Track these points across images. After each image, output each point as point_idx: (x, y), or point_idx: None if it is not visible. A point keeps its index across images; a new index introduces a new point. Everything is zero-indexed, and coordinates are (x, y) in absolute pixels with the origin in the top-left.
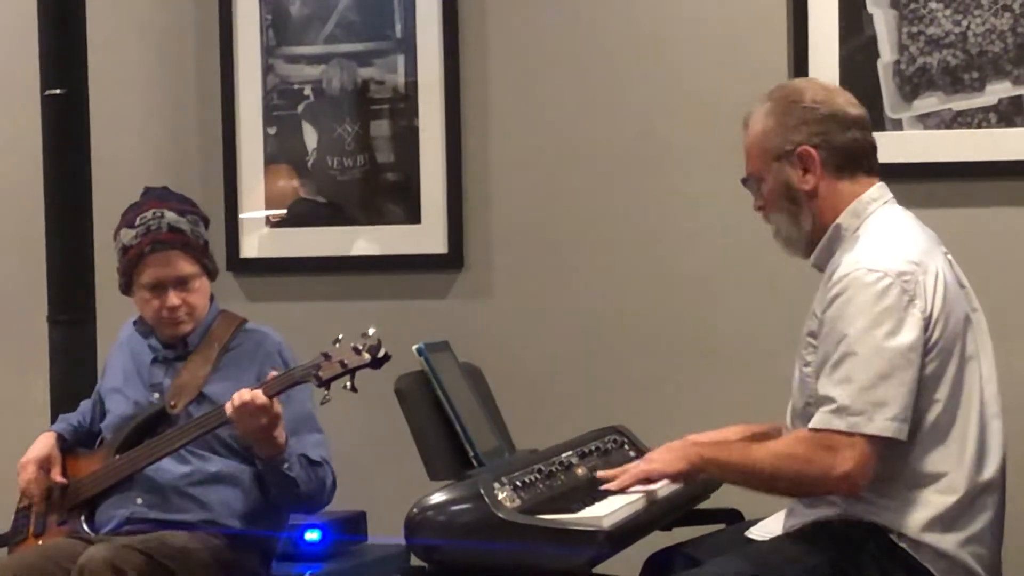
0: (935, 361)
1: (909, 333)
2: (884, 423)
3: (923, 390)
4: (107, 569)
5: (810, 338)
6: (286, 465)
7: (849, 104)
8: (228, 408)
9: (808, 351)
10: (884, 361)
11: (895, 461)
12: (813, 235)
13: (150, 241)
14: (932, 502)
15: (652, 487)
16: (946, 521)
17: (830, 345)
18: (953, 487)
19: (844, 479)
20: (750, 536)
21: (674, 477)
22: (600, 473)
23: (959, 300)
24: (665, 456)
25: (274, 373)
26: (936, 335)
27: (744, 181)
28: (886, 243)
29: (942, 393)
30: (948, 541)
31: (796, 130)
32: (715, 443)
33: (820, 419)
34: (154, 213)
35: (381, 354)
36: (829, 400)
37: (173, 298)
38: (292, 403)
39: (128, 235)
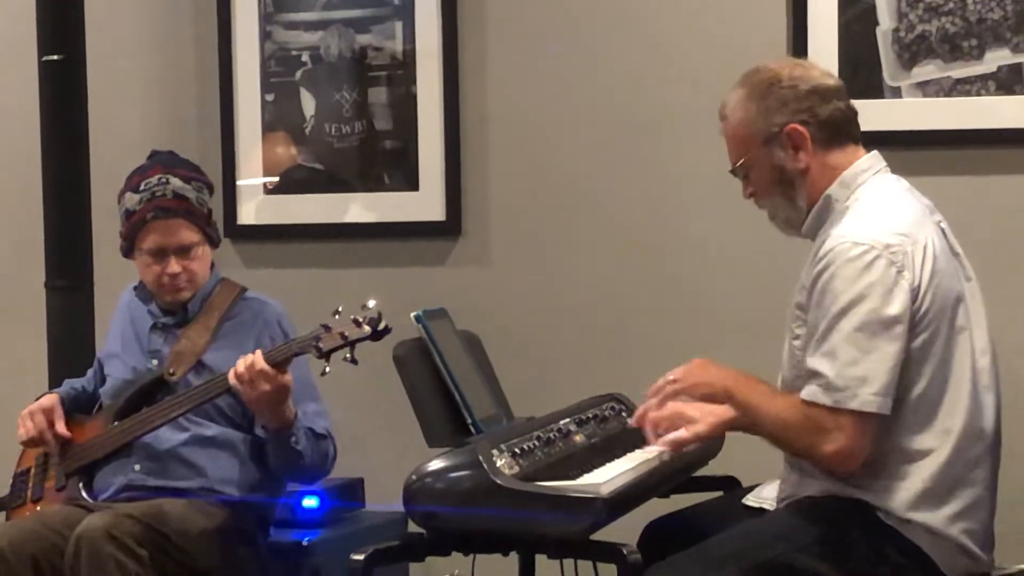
0: (923, 334)
1: (895, 307)
2: (868, 398)
3: (911, 363)
4: (105, 538)
5: (799, 311)
6: (293, 439)
7: (825, 77)
8: (231, 376)
9: (797, 324)
10: (867, 336)
11: (881, 437)
12: (811, 209)
13: (153, 207)
14: (918, 479)
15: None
16: (932, 498)
17: (817, 319)
18: (939, 463)
19: (835, 457)
20: (747, 503)
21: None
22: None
23: (949, 271)
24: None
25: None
26: (924, 307)
27: (734, 170)
28: (874, 215)
29: (930, 366)
30: (936, 518)
31: (779, 111)
32: (747, 379)
33: (809, 391)
34: (159, 179)
35: (381, 326)
36: (816, 375)
37: (174, 265)
38: (293, 372)
39: (132, 200)
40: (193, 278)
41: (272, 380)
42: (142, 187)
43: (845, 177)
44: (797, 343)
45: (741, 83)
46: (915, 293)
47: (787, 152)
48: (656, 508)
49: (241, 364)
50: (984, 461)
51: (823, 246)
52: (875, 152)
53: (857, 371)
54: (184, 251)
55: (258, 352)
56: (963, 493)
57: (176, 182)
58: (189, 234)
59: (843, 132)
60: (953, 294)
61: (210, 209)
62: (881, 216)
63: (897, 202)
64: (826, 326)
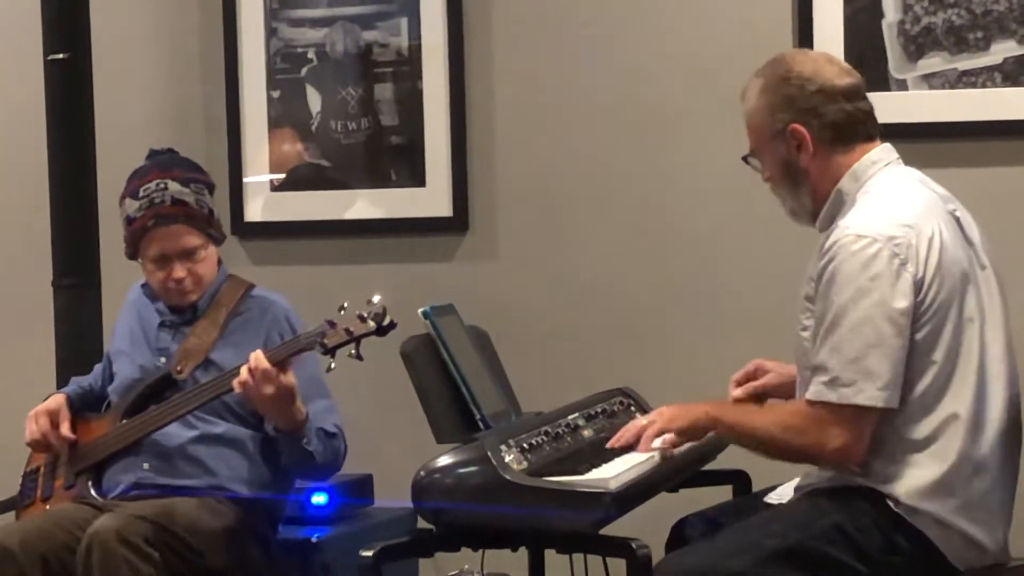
0: (930, 323)
1: (899, 299)
2: (874, 393)
3: (918, 353)
4: (116, 540)
5: (807, 302)
6: (305, 440)
7: (838, 75)
8: (235, 384)
9: (805, 315)
10: (872, 330)
11: (888, 427)
12: (815, 206)
13: (153, 215)
14: (925, 469)
15: (661, 445)
16: (940, 488)
17: (823, 311)
18: (947, 453)
19: (837, 453)
20: (768, 501)
21: (683, 435)
22: (614, 444)
23: (958, 261)
24: (676, 413)
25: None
26: (930, 298)
27: (747, 157)
28: (880, 207)
29: (938, 356)
30: (944, 508)
31: (784, 109)
32: (723, 402)
33: (814, 391)
34: (157, 184)
35: (386, 322)
36: (821, 369)
37: (179, 270)
38: (303, 368)
39: (132, 207)
40: (200, 281)
41: (274, 381)
42: (141, 193)
43: (856, 169)
44: (805, 334)
45: (761, 72)
46: (919, 285)
47: (791, 149)
48: (665, 503)
49: (244, 369)
50: (995, 453)
51: (829, 238)
52: (887, 144)
53: (863, 366)
54: (188, 255)
55: (258, 351)
56: (972, 485)
57: (174, 186)
58: (191, 238)
59: (849, 133)
60: (960, 284)
61: (211, 209)
62: (887, 207)
63: (905, 192)
64: (831, 319)
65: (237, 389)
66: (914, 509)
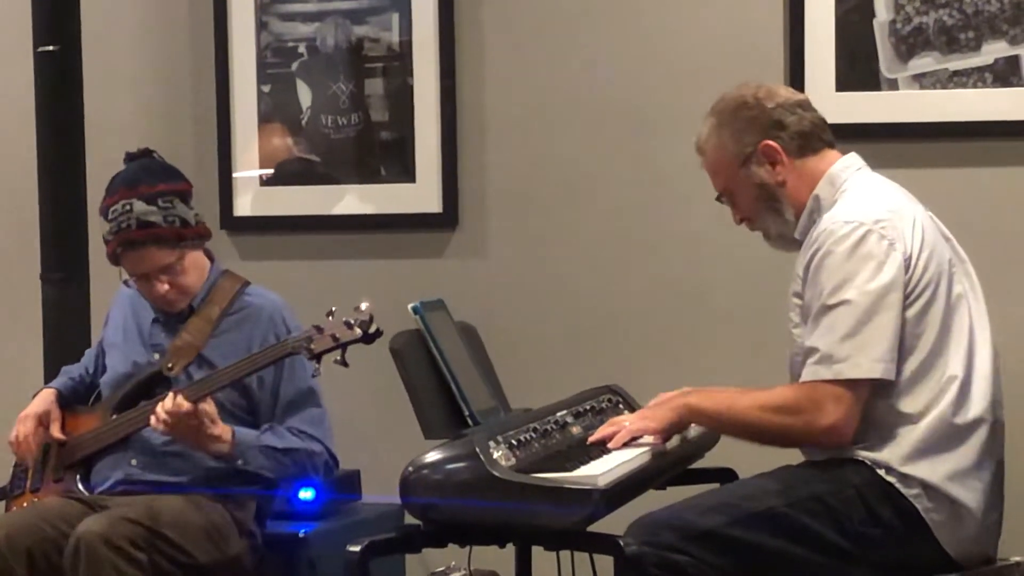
0: (921, 298)
1: (889, 277)
2: (870, 364)
3: (909, 329)
4: (102, 543)
5: (796, 298)
6: (240, 462)
7: (788, 93)
8: (152, 421)
9: (795, 312)
10: (865, 306)
11: (882, 400)
12: (799, 218)
13: (121, 242)
14: (915, 434)
15: (647, 441)
16: (929, 452)
17: (812, 298)
18: (935, 421)
19: (829, 431)
20: None
21: (665, 431)
22: (591, 439)
23: (942, 245)
24: (654, 412)
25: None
26: (919, 274)
27: (719, 199)
28: (862, 199)
29: (931, 332)
30: (935, 473)
31: (749, 131)
32: (704, 392)
33: (808, 372)
34: (123, 206)
35: (373, 329)
36: (813, 351)
37: (159, 287)
38: (294, 378)
39: (104, 228)
40: (185, 289)
41: (194, 416)
42: (109, 215)
43: (831, 174)
44: (797, 331)
45: (710, 113)
46: (908, 262)
47: (764, 168)
48: (653, 500)
49: (161, 410)
50: (981, 426)
51: (814, 231)
52: (854, 153)
53: (857, 340)
54: (165, 271)
55: (178, 395)
56: (960, 451)
57: (139, 207)
58: (164, 256)
59: (815, 139)
60: (947, 263)
61: (183, 219)
62: (869, 198)
63: (883, 188)
64: (823, 303)
65: (154, 425)
66: (905, 475)
